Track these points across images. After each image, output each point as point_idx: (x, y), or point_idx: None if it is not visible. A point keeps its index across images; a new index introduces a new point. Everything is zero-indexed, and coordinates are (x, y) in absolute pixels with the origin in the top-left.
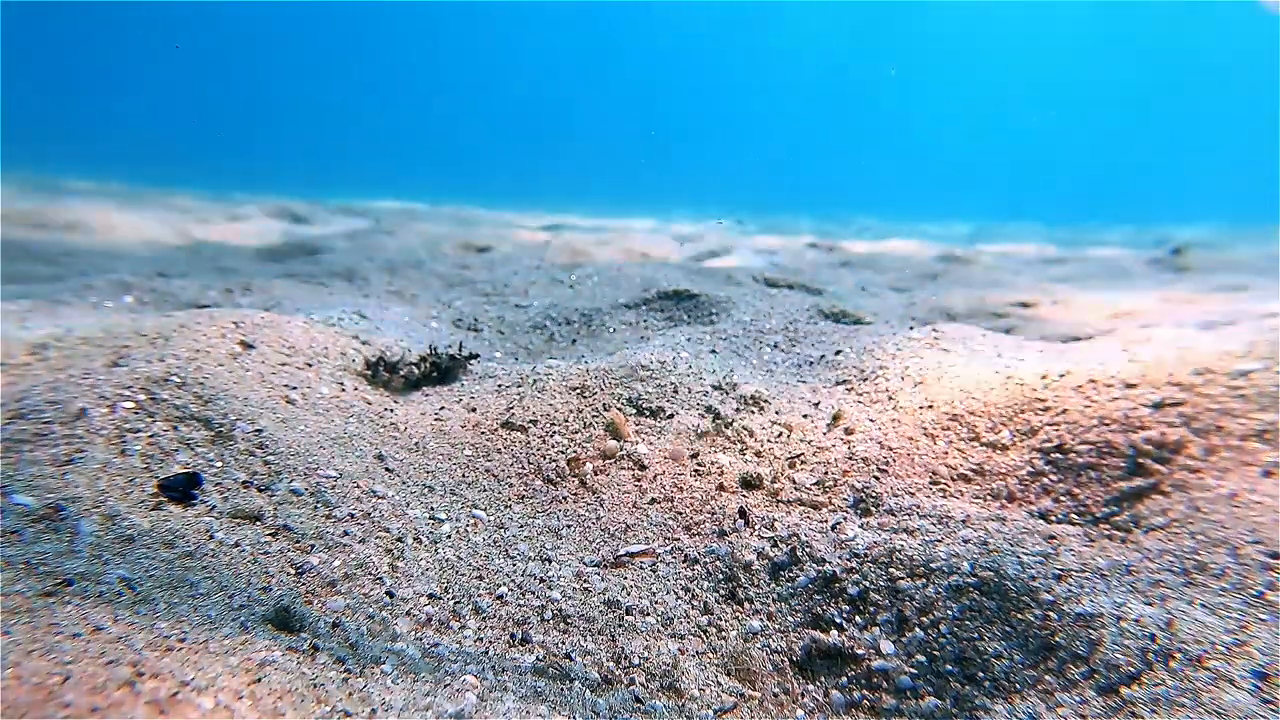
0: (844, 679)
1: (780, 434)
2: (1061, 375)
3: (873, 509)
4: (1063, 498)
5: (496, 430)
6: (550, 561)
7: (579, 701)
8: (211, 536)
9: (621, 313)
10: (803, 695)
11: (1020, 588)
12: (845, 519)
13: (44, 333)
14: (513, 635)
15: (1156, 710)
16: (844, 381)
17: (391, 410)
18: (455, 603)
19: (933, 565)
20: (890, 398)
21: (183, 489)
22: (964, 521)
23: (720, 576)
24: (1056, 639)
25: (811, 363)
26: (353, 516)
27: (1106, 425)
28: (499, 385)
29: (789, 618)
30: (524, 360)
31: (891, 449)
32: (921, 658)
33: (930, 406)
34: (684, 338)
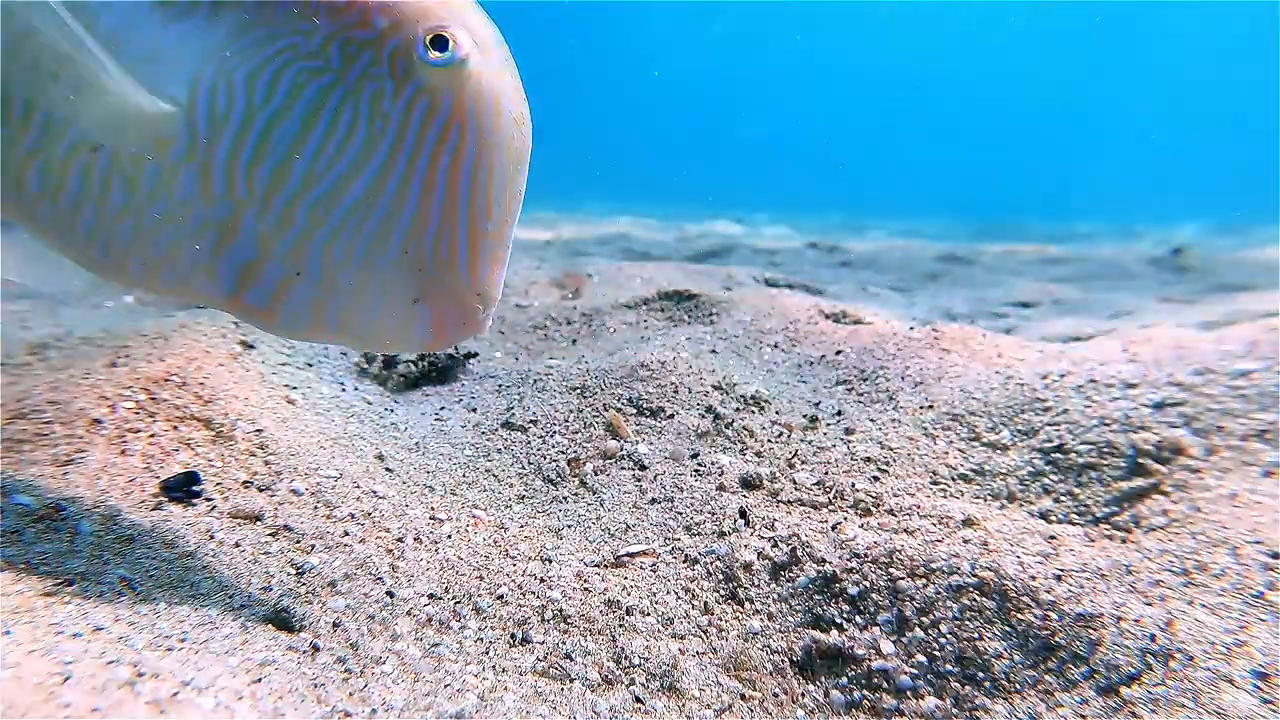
0: (844, 679)
1: (780, 434)
2: (1062, 375)
3: (873, 509)
4: (1063, 498)
5: (496, 430)
6: (550, 561)
7: (579, 701)
8: (212, 536)
9: (621, 313)
10: (803, 695)
11: (1020, 588)
12: (845, 519)
13: (44, 332)
14: (513, 635)
15: (1156, 710)
16: (844, 381)
17: (392, 410)
18: (455, 603)
19: (933, 565)
20: (890, 398)
21: (183, 489)
22: (964, 522)
23: (720, 577)
24: (1056, 639)
25: (811, 363)
26: (353, 516)
27: (1107, 425)
28: (499, 385)
29: (789, 618)
30: (524, 360)
31: (891, 449)
32: (921, 658)
33: (930, 406)
34: (684, 337)
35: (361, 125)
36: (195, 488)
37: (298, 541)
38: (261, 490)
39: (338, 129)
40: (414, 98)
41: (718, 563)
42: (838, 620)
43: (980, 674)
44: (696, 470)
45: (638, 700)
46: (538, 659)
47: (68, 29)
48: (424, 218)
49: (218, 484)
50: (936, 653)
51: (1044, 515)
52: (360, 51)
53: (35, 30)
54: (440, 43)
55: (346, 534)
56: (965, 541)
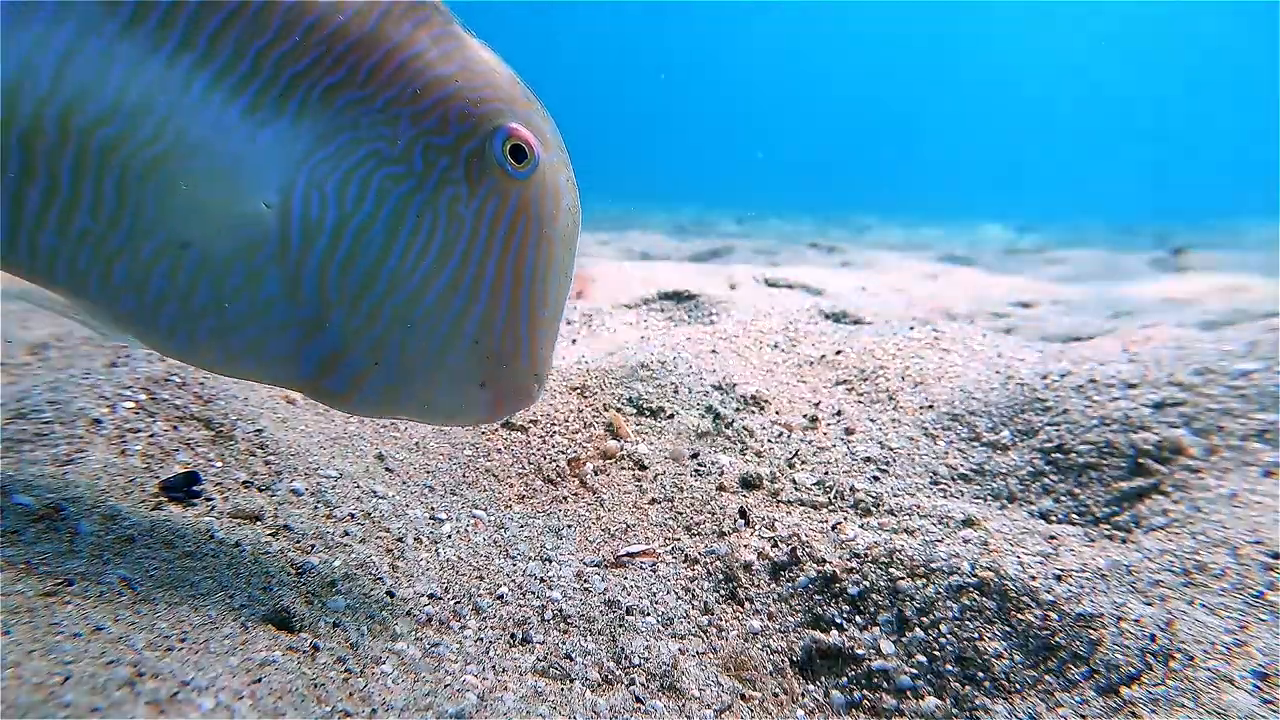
0: (844, 679)
1: (780, 434)
2: (1062, 375)
3: (873, 509)
4: (1063, 498)
5: (496, 430)
6: (550, 561)
7: (579, 701)
8: (212, 536)
9: (621, 312)
10: (803, 695)
11: (1020, 588)
12: (845, 519)
13: (44, 333)
14: (513, 635)
15: (1156, 710)
16: (844, 381)
17: None
18: (455, 603)
19: (933, 565)
20: (890, 398)
21: (183, 489)
22: (964, 522)
23: (720, 576)
24: (1056, 639)
25: (812, 363)
26: (353, 516)
27: (1107, 425)
28: None
29: (789, 618)
30: None
31: (891, 449)
32: (922, 658)
33: (930, 406)
34: (684, 337)
35: (440, 229)
36: (195, 487)
37: (298, 541)
38: (261, 490)
39: (420, 233)
40: (486, 198)
41: (718, 563)
42: (838, 620)
43: (980, 674)
44: (696, 470)
45: (638, 700)
46: (538, 659)
47: (160, 137)
48: (493, 311)
49: (218, 484)
50: (936, 653)
51: (1044, 515)
52: (439, 157)
53: (127, 138)
54: (518, 153)
55: (346, 534)
56: (965, 541)
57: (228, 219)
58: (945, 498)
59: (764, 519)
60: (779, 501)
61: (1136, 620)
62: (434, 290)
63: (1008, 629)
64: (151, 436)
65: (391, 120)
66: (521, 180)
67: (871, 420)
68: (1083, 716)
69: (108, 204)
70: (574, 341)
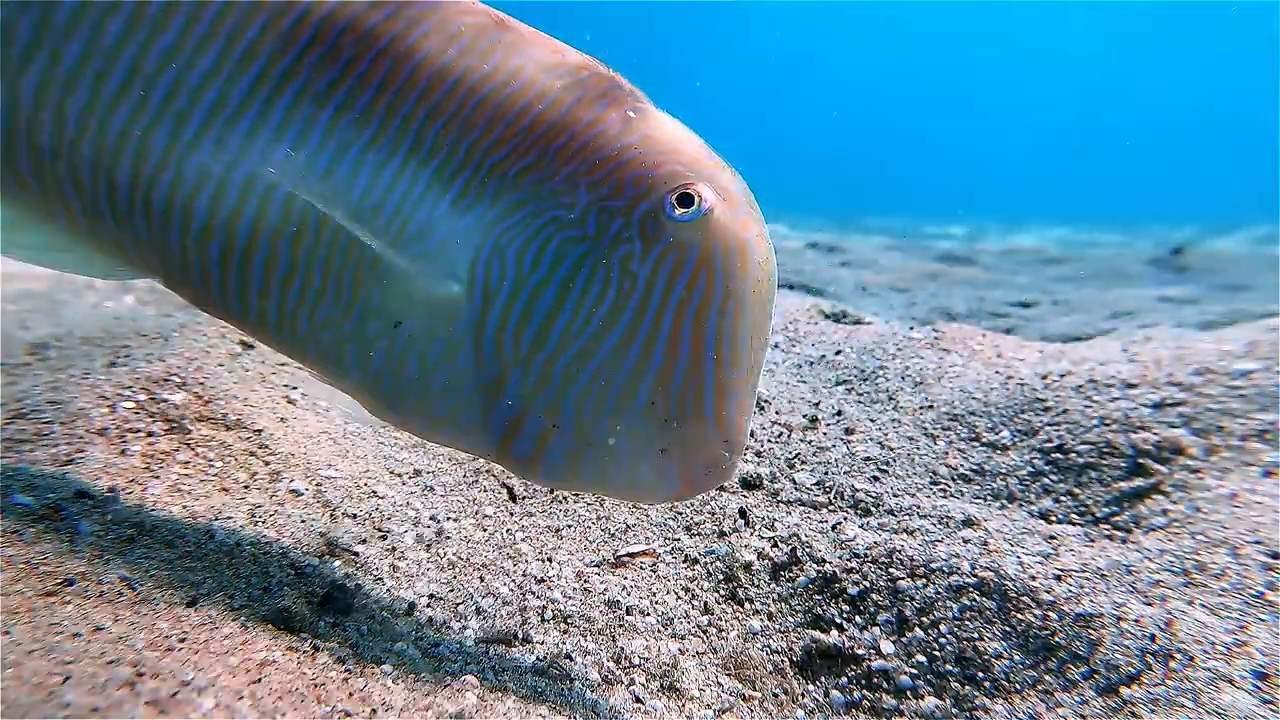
0: (844, 679)
1: (780, 434)
2: (1062, 375)
3: (873, 509)
4: (1063, 498)
5: None
6: (550, 561)
7: (579, 701)
8: (212, 536)
9: None
10: (803, 695)
11: (1020, 588)
12: (845, 519)
13: (44, 333)
14: (513, 635)
15: (1156, 710)
16: (844, 381)
17: None
18: (456, 603)
19: (933, 565)
20: (890, 398)
21: (341, 603)
22: (964, 522)
23: (720, 577)
24: (1056, 639)
25: (812, 363)
26: (353, 516)
27: (1107, 425)
28: None
29: (789, 618)
30: None
31: (891, 449)
32: (921, 658)
33: (930, 406)
34: None
35: (612, 286)
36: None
37: (298, 541)
38: (261, 490)
39: (591, 291)
40: (661, 255)
41: (718, 563)
42: (838, 620)
43: (980, 674)
44: None
45: (637, 700)
46: (538, 659)
47: (389, 229)
48: (669, 370)
49: (219, 485)
50: (936, 653)
51: (1044, 515)
52: (613, 219)
53: (367, 233)
54: (686, 200)
55: (347, 534)
56: (965, 541)
57: (431, 297)
58: (945, 498)
59: (764, 519)
60: (779, 501)
61: (1136, 620)
62: (604, 348)
63: (1008, 629)
64: (151, 436)
65: (570, 189)
66: (693, 225)
67: (871, 420)
68: (1083, 716)
69: (345, 292)
70: None
